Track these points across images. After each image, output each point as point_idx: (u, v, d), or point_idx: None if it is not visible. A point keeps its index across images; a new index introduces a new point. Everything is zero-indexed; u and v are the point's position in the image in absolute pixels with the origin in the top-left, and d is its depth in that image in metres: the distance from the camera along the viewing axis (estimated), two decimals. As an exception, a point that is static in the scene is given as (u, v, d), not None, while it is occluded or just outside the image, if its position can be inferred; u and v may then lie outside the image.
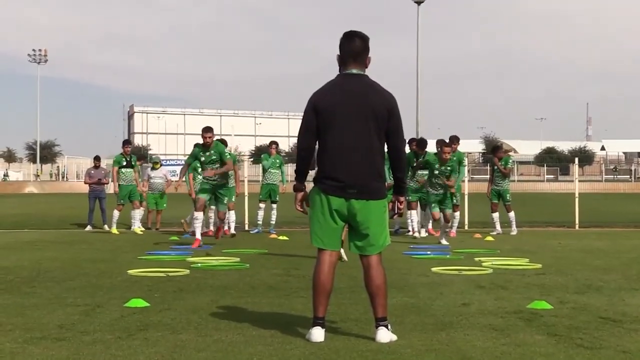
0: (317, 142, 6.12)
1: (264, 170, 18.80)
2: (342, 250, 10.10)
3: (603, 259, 12.22)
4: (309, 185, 6.18)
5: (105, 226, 20.45)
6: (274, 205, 18.66)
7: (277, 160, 18.82)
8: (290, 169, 40.33)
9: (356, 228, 6.07)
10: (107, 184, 21.74)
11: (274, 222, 18.54)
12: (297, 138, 6.19)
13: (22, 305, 7.69)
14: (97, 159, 21.68)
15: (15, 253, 13.34)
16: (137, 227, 19.11)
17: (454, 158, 16.24)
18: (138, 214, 19.49)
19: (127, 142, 20.74)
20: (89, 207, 20.81)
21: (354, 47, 6.08)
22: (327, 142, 6.04)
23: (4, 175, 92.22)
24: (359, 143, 5.99)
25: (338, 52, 6.14)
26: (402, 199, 6.40)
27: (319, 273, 6.04)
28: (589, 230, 19.76)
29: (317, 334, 5.96)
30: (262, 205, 18.69)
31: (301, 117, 6.21)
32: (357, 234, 6.08)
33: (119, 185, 19.50)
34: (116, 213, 19.25)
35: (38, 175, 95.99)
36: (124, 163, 19.62)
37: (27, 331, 6.39)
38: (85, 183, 21.55)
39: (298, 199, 6.27)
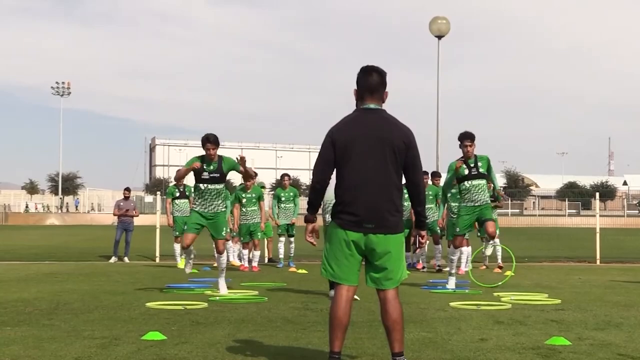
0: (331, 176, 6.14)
1: (279, 203, 18.73)
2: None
3: (623, 295, 12.11)
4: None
5: (126, 258, 20.52)
6: (292, 239, 18.67)
7: (291, 193, 18.74)
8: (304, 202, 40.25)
9: (374, 262, 6.03)
10: (137, 216, 21.52)
11: (292, 255, 18.55)
12: (312, 170, 6.21)
13: (40, 337, 7.72)
14: (127, 189, 21.44)
15: (35, 285, 13.41)
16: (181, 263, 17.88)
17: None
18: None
19: None
20: (115, 238, 20.73)
21: (371, 82, 6.10)
22: (344, 177, 6.05)
23: (26, 207, 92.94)
24: (376, 177, 5.98)
25: (355, 87, 6.17)
26: (423, 233, 6.40)
27: (336, 307, 6.00)
28: (610, 265, 19.60)
29: (333, 368, 5.93)
30: (282, 238, 18.69)
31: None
32: (375, 268, 6.05)
33: (173, 217, 18.46)
34: (177, 246, 18.35)
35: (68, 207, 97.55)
36: (177, 194, 18.58)
37: (44, 363, 6.42)
38: (114, 214, 21.47)
39: (308, 230, 6.27)
